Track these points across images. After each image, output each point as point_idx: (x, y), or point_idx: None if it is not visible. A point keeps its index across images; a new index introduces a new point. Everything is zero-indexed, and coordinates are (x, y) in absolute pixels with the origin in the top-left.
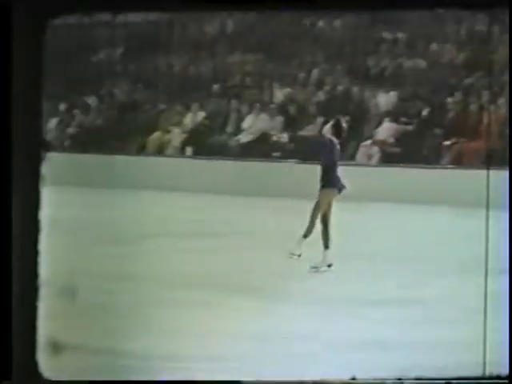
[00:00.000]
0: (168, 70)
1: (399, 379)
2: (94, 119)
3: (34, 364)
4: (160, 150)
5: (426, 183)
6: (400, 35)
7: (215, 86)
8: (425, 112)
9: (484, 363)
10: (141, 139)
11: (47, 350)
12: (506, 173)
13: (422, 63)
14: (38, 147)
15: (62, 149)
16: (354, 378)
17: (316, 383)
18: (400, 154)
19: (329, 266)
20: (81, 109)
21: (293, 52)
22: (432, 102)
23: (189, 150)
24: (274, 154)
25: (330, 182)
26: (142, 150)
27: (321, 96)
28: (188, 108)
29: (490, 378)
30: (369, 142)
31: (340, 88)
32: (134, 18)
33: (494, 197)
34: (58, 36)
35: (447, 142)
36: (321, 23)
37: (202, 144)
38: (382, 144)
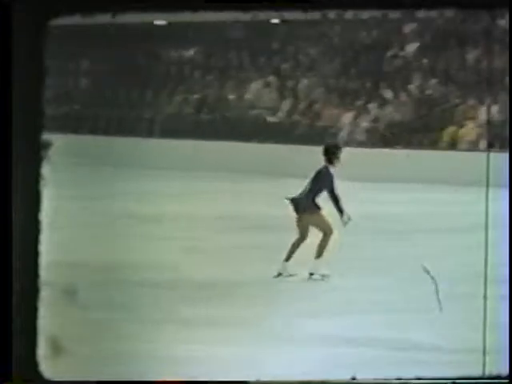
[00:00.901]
0: (462, 64)
1: (400, 379)
2: (389, 114)
3: (34, 364)
4: (453, 145)
5: None
6: None
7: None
8: None
9: (484, 363)
10: (435, 134)
11: (47, 350)
12: None
13: None
14: (38, 147)
15: (357, 144)
16: (354, 378)
17: (316, 383)
18: None
19: (311, 274)
20: (377, 103)
21: None
22: None
23: (483, 144)
24: None
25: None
26: (435, 144)
27: None
28: (482, 102)
29: (490, 377)
30: None
31: None
32: (428, 14)
33: None
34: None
35: None
36: None
37: (497, 138)
38: None
